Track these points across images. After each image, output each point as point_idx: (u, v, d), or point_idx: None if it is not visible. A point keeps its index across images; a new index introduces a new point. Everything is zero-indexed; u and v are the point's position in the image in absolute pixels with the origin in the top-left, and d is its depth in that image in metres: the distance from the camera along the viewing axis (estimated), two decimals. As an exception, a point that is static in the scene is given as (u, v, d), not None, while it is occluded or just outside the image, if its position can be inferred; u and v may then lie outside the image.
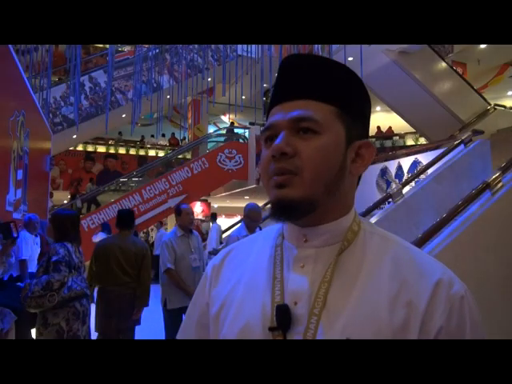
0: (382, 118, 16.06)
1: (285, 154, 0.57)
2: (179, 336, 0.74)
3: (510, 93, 15.46)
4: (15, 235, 3.02)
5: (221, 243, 8.49)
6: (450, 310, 0.54)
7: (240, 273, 0.66)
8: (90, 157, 14.02)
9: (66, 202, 12.08)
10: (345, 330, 0.54)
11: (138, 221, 9.84)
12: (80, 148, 13.97)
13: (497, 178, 3.93)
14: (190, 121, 15.74)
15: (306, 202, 0.57)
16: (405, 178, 7.56)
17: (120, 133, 14.88)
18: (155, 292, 3.83)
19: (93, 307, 2.88)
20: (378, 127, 15.64)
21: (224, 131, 14.70)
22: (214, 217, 10.32)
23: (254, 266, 0.65)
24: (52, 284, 2.39)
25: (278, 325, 0.57)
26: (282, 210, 0.59)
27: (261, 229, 3.09)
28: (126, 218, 3.45)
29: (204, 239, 12.83)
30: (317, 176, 0.57)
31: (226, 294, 0.65)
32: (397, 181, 7.82)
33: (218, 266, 0.70)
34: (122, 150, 14.85)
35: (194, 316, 0.71)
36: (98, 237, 6.33)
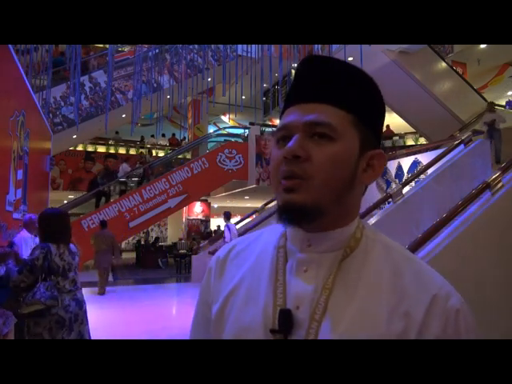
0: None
1: (297, 157, 0.56)
2: (191, 329, 0.74)
3: (510, 93, 15.45)
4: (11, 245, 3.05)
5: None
6: (445, 323, 0.55)
7: (243, 271, 0.66)
8: (89, 157, 13.99)
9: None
10: (343, 338, 0.55)
11: (138, 221, 9.85)
12: (80, 148, 13.95)
13: (497, 177, 3.93)
14: (190, 121, 15.73)
15: (312, 209, 0.56)
16: (405, 177, 7.56)
17: (117, 132, 14.85)
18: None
19: (92, 306, 2.84)
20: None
21: (224, 131, 14.68)
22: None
23: (257, 266, 0.65)
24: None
25: (280, 328, 0.57)
26: (289, 215, 0.58)
27: None
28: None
29: (204, 239, 12.81)
30: (326, 184, 0.56)
31: (229, 291, 0.65)
32: (397, 181, 7.82)
33: (222, 261, 0.70)
34: (121, 150, 14.84)
35: (200, 310, 0.72)
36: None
